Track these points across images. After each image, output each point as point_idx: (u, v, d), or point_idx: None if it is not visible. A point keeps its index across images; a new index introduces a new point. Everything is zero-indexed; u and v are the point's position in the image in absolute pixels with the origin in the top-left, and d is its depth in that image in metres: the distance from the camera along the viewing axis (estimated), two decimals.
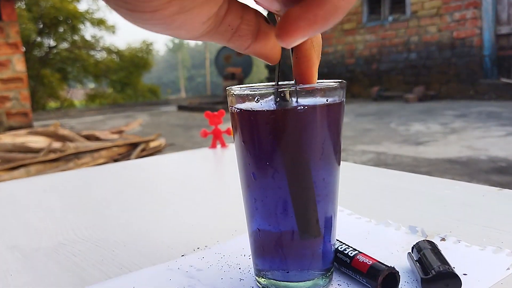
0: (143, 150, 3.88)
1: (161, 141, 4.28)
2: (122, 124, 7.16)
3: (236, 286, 0.40)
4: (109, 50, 17.06)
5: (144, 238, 0.53)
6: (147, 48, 17.60)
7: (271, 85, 0.38)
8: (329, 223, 0.38)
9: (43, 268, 0.46)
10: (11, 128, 5.22)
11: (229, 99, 0.38)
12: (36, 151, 3.47)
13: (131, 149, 3.80)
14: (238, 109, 0.37)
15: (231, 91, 0.37)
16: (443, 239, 0.46)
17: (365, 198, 0.65)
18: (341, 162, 0.87)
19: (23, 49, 5.73)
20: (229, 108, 0.38)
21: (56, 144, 3.64)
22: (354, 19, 10.55)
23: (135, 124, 5.45)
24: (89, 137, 4.25)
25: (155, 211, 0.63)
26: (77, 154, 3.44)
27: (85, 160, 3.37)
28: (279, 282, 0.38)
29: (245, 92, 0.36)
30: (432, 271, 0.36)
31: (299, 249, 0.37)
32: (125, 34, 18.36)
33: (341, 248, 0.41)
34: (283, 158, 0.35)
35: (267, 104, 0.35)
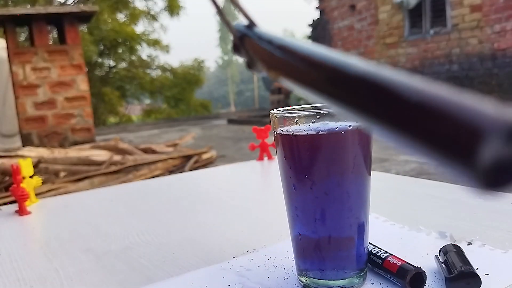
0: (196, 162, 3.97)
1: (212, 153, 4.36)
2: (176, 137, 7.31)
3: (280, 284, 0.43)
4: (163, 68, 17.43)
5: (199, 242, 0.57)
6: (198, 65, 17.89)
7: (309, 107, 0.42)
8: (361, 228, 0.41)
9: (113, 268, 0.51)
10: (75, 143, 5.43)
11: (272, 120, 0.42)
12: (99, 163, 3.60)
13: (185, 161, 3.89)
14: (280, 130, 0.41)
15: (274, 114, 0.41)
16: (469, 243, 0.49)
17: (400, 206, 0.67)
18: (380, 173, 0.89)
19: (86, 69, 5.95)
20: (272, 129, 0.42)
21: (117, 157, 3.77)
22: (396, 33, 10.45)
23: (188, 137, 5.56)
24: (146, 150, 4.38)
25: (209, 218, 0.68)
26: (136, 166, 3.56)
27: (143, 172, 3.47)
28: (318, 281, 0.41)
29: (286, 115, 0.40)
30: (455, 271, 0.39)
31: (335, 252, 0.41)
32: (178, 53, 18.74)
33: (374, 250, 0.44)
34: (319, 172, 0.39)
35: (305, 126, 0.39)
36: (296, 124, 0.40)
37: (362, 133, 0.39)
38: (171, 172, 3.66)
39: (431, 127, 0.15)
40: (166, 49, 16.92)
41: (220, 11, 0.32)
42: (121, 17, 16.03)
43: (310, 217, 0.40)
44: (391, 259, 0.41)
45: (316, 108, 0.41)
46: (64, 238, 0.63)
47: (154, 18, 16.76)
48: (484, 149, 0.13)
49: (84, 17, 6.01)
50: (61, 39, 5.76)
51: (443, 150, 0.14)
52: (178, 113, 17.75)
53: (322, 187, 0.39)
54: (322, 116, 0.39)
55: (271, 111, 0.42)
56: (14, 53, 5.33)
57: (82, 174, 3.26)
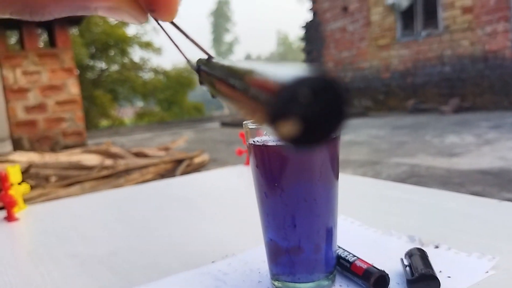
0: (188, 165, 3.99)
1: (205, 157, 4.39)
2: (168, 141, 7.33)
3: (255, 287, 0.46)
4: (156, 71, 17.46)
5: (182, 247, 0.59)
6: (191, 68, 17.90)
7: None
8: (330, 233, 0.44)
9: (96, 273, 0.53)
10: (66, 147, 5.44)
11: (245, 131, 0.45)
12: (90, 168, 3.62)
13: (177, 165, 3.91)
14: (252, 141, 0.43)
15: (247, 125, 0.44)
16: (436, 247, 0.51)
17: (377, 210, 0.70)
18: (360, 177, 0.91)
19: (77, 72, 5.96)
20: (246, 139, 0.45)
21: (108, 162, 3.79)
22: (388, 35, 10.52)
23: (181, 141, 5.58)
24: (138, 154, 4.39)
25: (193, 223, 0.70)
26: (127, 171, 3.57)
27: (135, 176, 3.49)
28: (289, 284, 0.44)
29: (257, 127, 0.43)
30: (416, 273, 0.42)
31: (305, 256, 0.43)
32: (170, 55, 18.76)
33: (343, 254, 0.46)
34: (288, 180, 0.41)
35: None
36: (267, 135, 0.43)
37: (329, 142, 0.42)
38: (162, 176, 3.68)
39: (253, 93, 0.18)
40: (158, 51, 16.95)
41: (180, 50, 0.35)
42: (112, 19, 16.00)
43: (280, 224, 0.43)
44: (358, 263, 0.44)
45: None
46: (51, 243, 0.66)
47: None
48: (276, 106, 0.16)
49: (74, 20, 6.02)
50: (52, 42, 5.77)
51: (258, 110, 0.17)
52: (171, 115, 17.77)
53: (291, 195, 0.42)
54: None
55: (244, 122, 0.45)
56: (4, 57, 5.34)
57: (72, 179, 3.28)
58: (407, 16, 10.12)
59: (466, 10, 8.84)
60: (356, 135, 6.48)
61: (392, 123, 7.87)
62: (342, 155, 4.20)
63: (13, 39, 10.73)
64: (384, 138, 5.96)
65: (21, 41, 5.60)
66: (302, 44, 13.10)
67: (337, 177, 0.44)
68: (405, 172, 3.70)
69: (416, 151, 4.71)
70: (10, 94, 5.35)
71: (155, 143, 7.57)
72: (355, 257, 0.45)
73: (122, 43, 15.68)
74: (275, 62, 0.20)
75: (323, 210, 0.43)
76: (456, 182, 3.19)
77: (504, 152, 4.16)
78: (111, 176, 3.47)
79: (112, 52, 16.14)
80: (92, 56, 15.65)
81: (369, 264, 0.44)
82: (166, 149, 4.83)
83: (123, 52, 16.23)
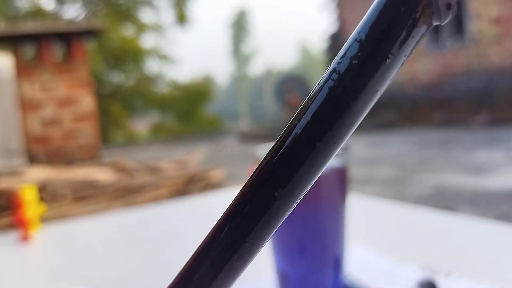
0: (203, 181, 4.02)
1: (221, 171, 4.41)
2: (185, 155, 7.38)
3: None
4: (173, 84, 17.64)
5: None
6: (208, 81, 18.10)
7: None
8: (337, 262, 0.46)
9: None
10: (82, 161, 5.52)
11: (253, 159, 0.47)
12: (105, 184, 3.67)
13: (193, 180, 3.94)
14: None
15: (255, 154, 0.46)
16: (448, 275, 0.53)
17: (389, 236, 0.71)
18: (374, 199, 0.93)
19: (93, 86, 6.07)
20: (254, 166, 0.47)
21: (123, 177, 3.84)
22: None
23: (197, 155, 5.62)
24: (153, 169, 4.44)
25: None
26: (143, 186, 3.61)
27: (150, 193, 3.53)
28: None
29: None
30: None
31: (312, 284, 0.45)
32: (188, 68, 18.98)
33: (351, 283, 0.48)
34: (296, 210, 0.43)
35: None
36: None
37: (338, 173, 0.44)
38: (178, 191, 3.71)
39: None
40: (175, 64, 17.16)
41: None
42: (129, 32, 16.28)
43: (288, 252, 0.45)
44: None
45: None
46: (64, 265, 0.68)
47: (163, 33, 17.00)
48: None
49: (91, 33, 6.13)
50: (68, 55, 5.89)
51: None
52: (187, 129, 17.88)
53: (299, 224, 0.43)
54: None
55: (253, 155, 0.47)
56: (21, 70, 5.46)
57: (88, 195, 3.33)
58: (433, 28, 10.08)
59: (494, 21, 8.80)
60: (379, 150, 6.46)
61: (417, 137, 7.83)
62: (363, 171, 4.17)
63: (29, 51, 10.94)
64: (409, 153, 5.93)
65: (38, 55, 5.72)
66: (324, 57, 13.13)
67: (345, 206, 0.45)
68: (430, 190, 3.68)
69: (442, 167, 4.68)
70: (27, 108, 5.46)
71: (171, 157, 7.63)
72: (364, 286, 0.47)
73: (139, 56, 15.89)
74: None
75: (330, 237, 0.44)
76: (483, 199, 3.17)
77: None
78: (127, 192, 3.51)
79: (128, 66, 16.35)
80: (109, 70, 15.88)
81: None
82: (182, 163, 4.88)
83: (140, 65, 16.45)
